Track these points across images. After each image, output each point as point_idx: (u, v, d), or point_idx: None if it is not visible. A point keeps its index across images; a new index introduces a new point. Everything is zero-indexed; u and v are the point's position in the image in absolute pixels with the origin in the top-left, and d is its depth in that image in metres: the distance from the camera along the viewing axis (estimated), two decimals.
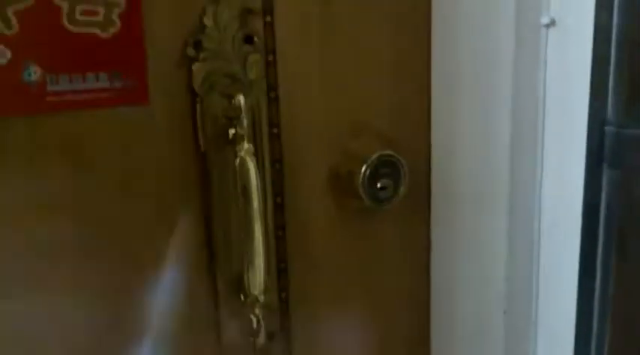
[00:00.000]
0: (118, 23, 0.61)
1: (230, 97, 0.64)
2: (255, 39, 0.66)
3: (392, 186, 0.72)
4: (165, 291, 0.68)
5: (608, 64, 0.60)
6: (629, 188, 0.62)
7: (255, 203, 0.63)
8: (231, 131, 0.64)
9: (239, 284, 0.67)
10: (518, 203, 0.70)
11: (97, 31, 0.61)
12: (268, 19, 0.67)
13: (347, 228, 0.75)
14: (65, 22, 0.60)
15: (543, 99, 0.67)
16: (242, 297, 0.67)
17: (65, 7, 0.59)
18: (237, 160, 0.63)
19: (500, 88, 0.68)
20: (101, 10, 0.61)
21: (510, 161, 0.68)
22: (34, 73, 0.59)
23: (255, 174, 0.62)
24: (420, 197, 0.77)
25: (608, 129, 0.61)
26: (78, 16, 0.60)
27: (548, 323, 0.72)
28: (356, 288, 0.77)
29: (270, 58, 0.68)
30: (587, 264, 0.66)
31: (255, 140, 0.67)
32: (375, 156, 0.71)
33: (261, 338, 0.67)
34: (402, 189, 0.72)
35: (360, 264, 0.76)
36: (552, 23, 0.65)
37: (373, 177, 0.72)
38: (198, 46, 0.64)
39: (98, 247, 0.64)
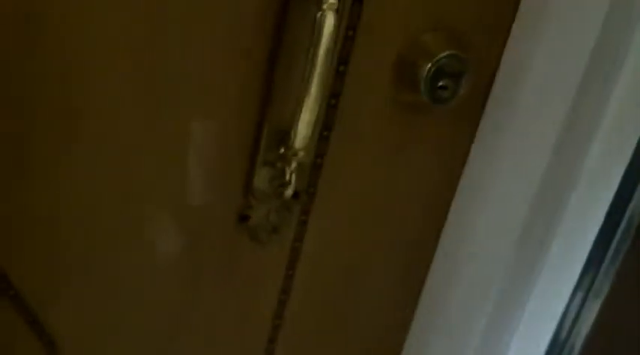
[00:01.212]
0: None
1: None
2: None
3: (452, 88, 0.73)
4: (211, 128, 0.70)
5: None
6: None
7: (322, 58, 0.63)
8: None
9: (283, 137, 0.69)
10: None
11: None
12: None
13: (396, 115, 0.75)
14: None
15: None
16: (282, 149, 0.69)
17: None
18: (319, 14, 0.63)
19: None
20: None
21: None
22: None
23: (332, 29, 0.62)
24: (476, 105, 0.77)
25: None
26: None
27: None
28: (384, 174, 0.78)
29: None
30: None
31: (339, 3, 0.66)
32: (444, 53, 0.72)
33: (289, 192, 0.69)
34: (462, 93, 0.73)
35: (396, 154, 0.78)
36: None
37: (437, 74, 0.72)
38: None
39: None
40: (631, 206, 0.72)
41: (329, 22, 0.62)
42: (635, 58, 0.68)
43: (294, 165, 0.68)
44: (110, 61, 0.62)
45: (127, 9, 0.60)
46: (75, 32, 0.59)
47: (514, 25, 0.74)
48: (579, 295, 0.77)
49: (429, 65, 0.72)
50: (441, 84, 0.72)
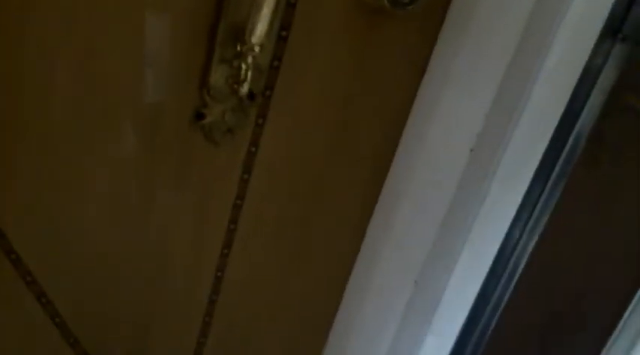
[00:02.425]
0: None
1: None
2: None
3: None
4: (165, 23, 0.69)
5: None
6: None
7: None
8: None
9: (240, 34, 0.68)
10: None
11: None
12: None
13: (356, 19, 0.75)
14: None
15: None
16: (238, 47, 0.68)
17: None
18: None
19: None
20: None
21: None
22: None
23: None
24: (435, 13, 0.77)
25: None
26: None
27: None
28: (345, 79, 0.78)
29: None
30: None
31: None
32: None
33: (244, 89, 0.69)
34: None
35: (355, 58, 0.77)
36: None
37: None
38: None
39: None
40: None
41: None
42: None
43: (250, 61, 0.68)
44: None
45: None
46: None
47: None
48: (528, 207, 0.79)
49: None
50: None
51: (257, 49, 0.66)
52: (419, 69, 0.79)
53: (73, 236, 0.78)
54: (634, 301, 0.89)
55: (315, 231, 0.89)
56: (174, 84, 0.72)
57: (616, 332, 0.92)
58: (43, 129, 0.69)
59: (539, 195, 0.78)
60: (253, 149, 0.79)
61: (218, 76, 0.71)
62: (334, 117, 0.80)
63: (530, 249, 0.82)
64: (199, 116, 0.73)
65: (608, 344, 0.93)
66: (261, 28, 0.65)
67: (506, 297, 0.85)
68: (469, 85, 0.76)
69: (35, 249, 0.76)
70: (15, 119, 0.68)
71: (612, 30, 0.71)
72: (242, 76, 0.68)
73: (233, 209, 0.83)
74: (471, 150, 0.78)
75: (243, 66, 0.67)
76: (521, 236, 0.80)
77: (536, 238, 0.81)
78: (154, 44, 0.70)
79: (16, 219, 0.73)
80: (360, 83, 0.79)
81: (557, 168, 0.77)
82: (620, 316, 0.89)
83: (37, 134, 0.70)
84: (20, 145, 0.70)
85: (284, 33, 0.72)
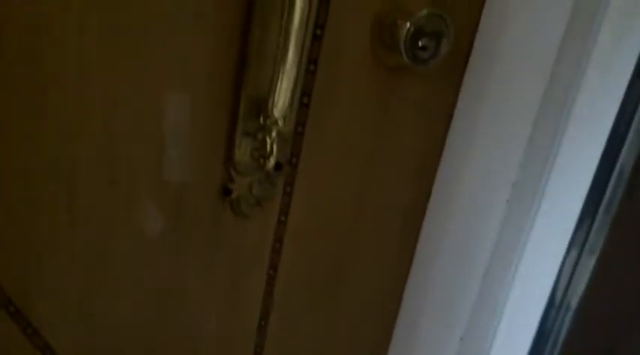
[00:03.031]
0: None
1: None
2: None
3: (433, 48, 0.71)
4: (185, 101, 0.68)
5: None
6: None
7: (297, 21, 0.61)
8: None
9: (262, 106, 0.67)
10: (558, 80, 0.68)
11: None
12: None
13: (377, 79, 0.73)
14: None
15: None
16: (261, 119, 0.67)
17: None
18: None
19: None
20: None
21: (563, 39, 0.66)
22: None
23: None
24: (457, 65, 0.75)
25: None
26: None
27: None
28: (369, 139, 0.76)
29: None
30: None
31: None
32: (423, 12, 0.69)
33: (271, 163, 0.67)
34: (443, 53, 0.71)
35: (378, 117, 0.76)
36: None
37: (417, 34, 0.70)
38: None
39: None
40: (621, 157, 0.71)
41: None
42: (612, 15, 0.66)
43: (274, 134, 0.66)
44: (81, 33, 0.60)
45: None
46: None
47: None
48: (574, 252, 0.76)
49: (408, 25, 0.70)
50: (421, 44, 0.70)
51: (280, 122, 0.65)
52: (444, 121, 0.78)
53: (102, 319, 0.76)
54: None
55: (352, 293, 0.87)
56: (199, 161, 0.70)
57: None
58: (68, 213, 0.68)
59: (584, 241, 0.75)
60: (283, 218, 0.77)
61: (242, 149, 0.70)
62: (361, 177, 0.79)
63: (576, 302, 0.79)
64: (226, 191, 0.71)
65: None
66: (283, 101, 0.64)
67: (556, 352, 0.81)
68: (498, 134, 0.73)
69: (64, 333, 0.74)
70: (41, 202, 0.67)
71: None
72: (268, 150, 0.66)
73: (267, 280, 0.81)
74: (507, 201, 0.76)
75: (268, 140, 0.66)
76: (568, 286, 0.77)
77: (583, 288, 0.78)
78: (175, 123, 0.69)
79: (44, 303, 0.72)
80: (384, 141, 0.77)
81: (600, 212, 0.74)
82: None
83: (64, 217, 0.68)
84: (47, 228, 0.68)
85: (305, 99, 0.71)
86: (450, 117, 0.77)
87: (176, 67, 0.65)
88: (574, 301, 0.81)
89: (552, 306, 0.79)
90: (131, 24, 0.62)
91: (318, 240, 0.81)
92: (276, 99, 0.64)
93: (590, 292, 0.79)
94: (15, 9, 0.58)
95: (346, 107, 0.74)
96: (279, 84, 0.63)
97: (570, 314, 0.80)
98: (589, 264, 0.78)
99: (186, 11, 0.63)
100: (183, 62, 0.65)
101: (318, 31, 0.68)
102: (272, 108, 0.64)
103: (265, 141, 0.66)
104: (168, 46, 0.64)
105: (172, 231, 0.73)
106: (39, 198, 0.66)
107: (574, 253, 0.77)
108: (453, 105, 0.77)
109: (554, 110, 0.70)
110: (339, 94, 0.72)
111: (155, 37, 0.63)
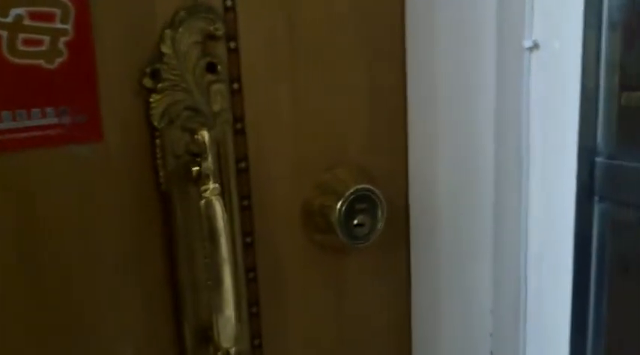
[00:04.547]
0: (65, 53, 0.55)
1: (192, 132, 0.59)
2: (219, 67, 0.61)
3: (369, 223, 0.68)
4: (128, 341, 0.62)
5: (598, 90, 0.57)
6: (620, 220, 0.59)
7: (224, 249, 0.57)
8: (195, 169, 0.58)
9: (208, 335, 0.61)
10: (503, 239, 0.65)
11: (41, 62, 0.55)
12: (232, 44, 0.62)
13: (321, 265, 0.70)
14: (6, 53, 0.53)
15: (527, 127, 0.63)
16: (211, 350, 0.61)
17: (5, 36, 0.53)
18: (203, 202, 0.57)
19: (481, 115, 0.64)
20: (46, 38, 0.55)
21: (494, 194, 0.64)
22: None
23: (223, 217, 0.56)
24: (398, 232, 0.72)
25: (598, 160, 0.58)
26: (20, 46, 0.54)
27: None
28: (332, 329, 0.71)
29: (236, 86, 0.63)
30: (579, 299, 0.62)
31: (221, 176, 0.62)
32: (351, 190, 0.67)
33: None
34: (380, 226, 0.68)
35: (335, 302, 0.71)
36: (536, 47, 0.61)
37: (349, 212, 0.67)
38: (156, 75, 0.58)
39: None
40: None
41: (215, 208, 0.57)
42: None
43: None
44: None
45: None
46: None
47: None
48: None
49: (339, 205, 0.67)
50: (356, 222, 0.67)
51: (232, 351, 0.60)
52: (403, 280, 0.74)
53: None
54: None
55: None
56: None
57: None
58: None
59: None
60: None
61: None
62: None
63: None
64: None
65: None
66: (228, 330, 0.59)
67: None
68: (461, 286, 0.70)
69: None
70: None
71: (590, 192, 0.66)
72: None
73: None
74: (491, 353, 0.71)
75: None
76: None
77: None
78: None
79: None
80: (348, 313, 0.72)
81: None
82: None
83: None
84: None
85: (255, 309, 0.66)
86: (407, 286, 0.73)
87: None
88: None
89: None
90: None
91: None
92: (220, 330, 0.58)
93: None
94: None
95: (298, 300, 0.69)
96: (220, 313, 0.58)
97: None
98: None
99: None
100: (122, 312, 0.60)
101: (248, 239, 0.65)
102: (219, 339, 0.59)
103: None
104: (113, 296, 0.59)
105: None
106: None
107: None
108: (408, 274, 0.73)
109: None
110: (287, 291, 0.68)
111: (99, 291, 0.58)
